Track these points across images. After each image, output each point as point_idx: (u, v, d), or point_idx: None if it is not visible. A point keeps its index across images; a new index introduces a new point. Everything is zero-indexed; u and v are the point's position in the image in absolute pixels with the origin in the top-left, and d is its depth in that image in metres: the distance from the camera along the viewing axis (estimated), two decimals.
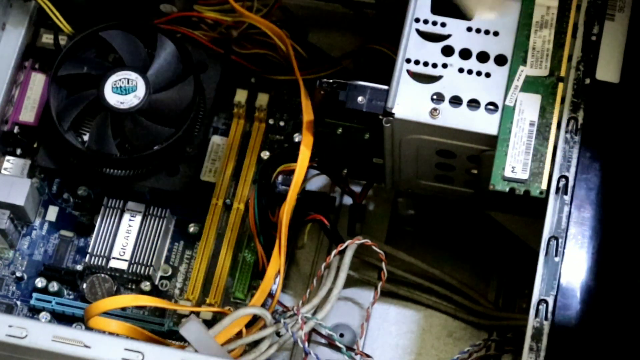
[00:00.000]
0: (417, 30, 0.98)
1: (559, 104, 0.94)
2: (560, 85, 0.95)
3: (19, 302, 1.09)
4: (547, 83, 0.95)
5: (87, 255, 1.08)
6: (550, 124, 0.94)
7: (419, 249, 1.11)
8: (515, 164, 0.93)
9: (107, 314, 1.02)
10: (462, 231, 1.12)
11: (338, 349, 1.02)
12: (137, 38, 1.09)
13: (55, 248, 1.11)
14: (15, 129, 1.14)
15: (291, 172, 1.05)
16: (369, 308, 1.06)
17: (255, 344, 0.99)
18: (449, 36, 0.98)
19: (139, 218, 1.09)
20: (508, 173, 0.93)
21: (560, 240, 0.89)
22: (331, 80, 0.99)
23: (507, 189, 0.93)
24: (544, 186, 0.92)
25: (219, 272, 1.08)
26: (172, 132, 1.06)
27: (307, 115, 1.04)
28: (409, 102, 0.95)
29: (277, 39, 1.09)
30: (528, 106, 0.94)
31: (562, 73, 0.95)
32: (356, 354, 1.04)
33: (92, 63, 1.09)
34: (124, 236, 1.09)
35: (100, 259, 1.08)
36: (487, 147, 0.96)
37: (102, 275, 1.09)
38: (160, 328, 1.06)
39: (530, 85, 0.95)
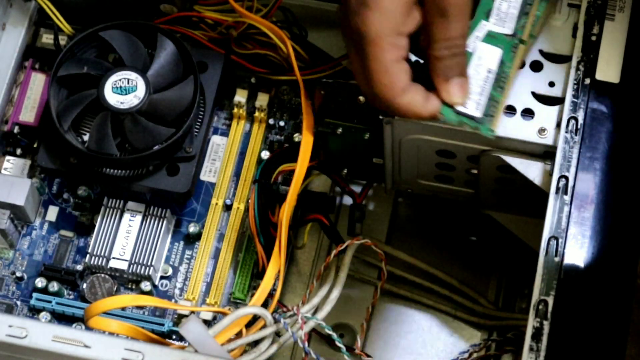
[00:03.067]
0: None
1: (518, 65, 0.92)
2: (522, 47, 0.93)
3: (19, 302, 1.09)
4: (509, 41, 0.93)
5: (87, 255, 1.08)
6: (508, 76, 0.92)
7: (419, 249, 1.11)
8: (467, 101, 0.91)
9: (107, 314, 1.02)
10: (462, 231, 1.12)
11: (338, 349, 1.02)
12: (137, 38, 1.09)
13: (55, 248, 1.11)
14: (16, 129, 1.14)
15: (291, 172, 1.05)
16: (369, 308, 1.06)
17: (255, 344, 1.00)
18: None
19: (139, 218, 1.09)
20: (460, 107, 0.91)
21: (560, 240, 0.89)
22: (331, 80, 0.99)
23: (456, 121, 0.90)
24: (495, 128, 0.90)
25: (219, 272, 1.08)
26: (172, 132, 1.06)
27: (307, 115, 1.04)
28: None
29: (277, 39, 1.09)
30: (488, 56, 0.92)
31: (525, 37, 0.93)
32: (356, 354, 1.04)
33: (92, 63, 1.09)
34: (124, 236, 1.08)
35: (100, 259, 1.08)
36: (488, 147, 0.96)
37: (102, 275, 1.08)
38: (160, 328, 1.06)
39: (492, 39, 0.92)
